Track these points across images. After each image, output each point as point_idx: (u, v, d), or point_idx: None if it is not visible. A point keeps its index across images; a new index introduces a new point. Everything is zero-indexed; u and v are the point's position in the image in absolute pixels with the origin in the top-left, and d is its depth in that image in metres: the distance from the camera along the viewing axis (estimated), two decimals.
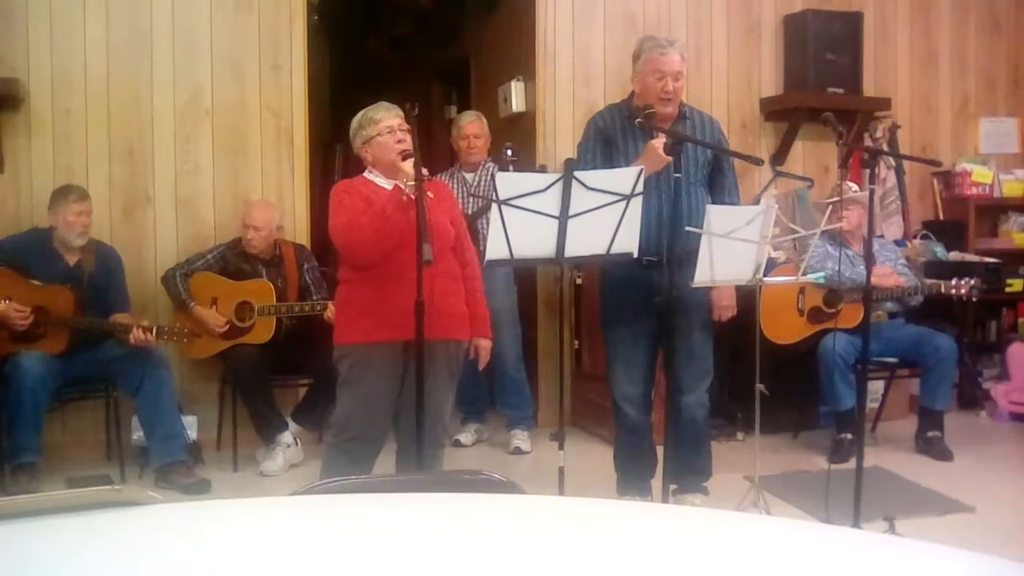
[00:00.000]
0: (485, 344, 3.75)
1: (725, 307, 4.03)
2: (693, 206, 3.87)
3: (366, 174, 3.64)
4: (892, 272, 5.16)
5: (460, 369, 3.70)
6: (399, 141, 3.53)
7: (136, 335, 4.53)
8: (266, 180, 5.35)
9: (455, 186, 5.30)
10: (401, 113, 3.62)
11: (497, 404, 5.49)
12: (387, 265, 3.45)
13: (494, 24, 6.80)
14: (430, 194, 3.36)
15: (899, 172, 6.25)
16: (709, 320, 4.05)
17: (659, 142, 3.66)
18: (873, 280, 3.85)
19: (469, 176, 5.34)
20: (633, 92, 4.01)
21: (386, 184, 3.55)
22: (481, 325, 3.73)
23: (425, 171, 3.35)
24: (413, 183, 3.26)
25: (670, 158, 3.61)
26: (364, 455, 3.55)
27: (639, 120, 3.74)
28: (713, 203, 3.91)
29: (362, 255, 3.48)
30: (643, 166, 3.51)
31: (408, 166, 3.36)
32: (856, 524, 3.58)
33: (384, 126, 3.57)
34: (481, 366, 3.83)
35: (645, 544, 1.53)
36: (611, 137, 3.95)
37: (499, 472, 1.91)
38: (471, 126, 5.38)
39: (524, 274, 5.53)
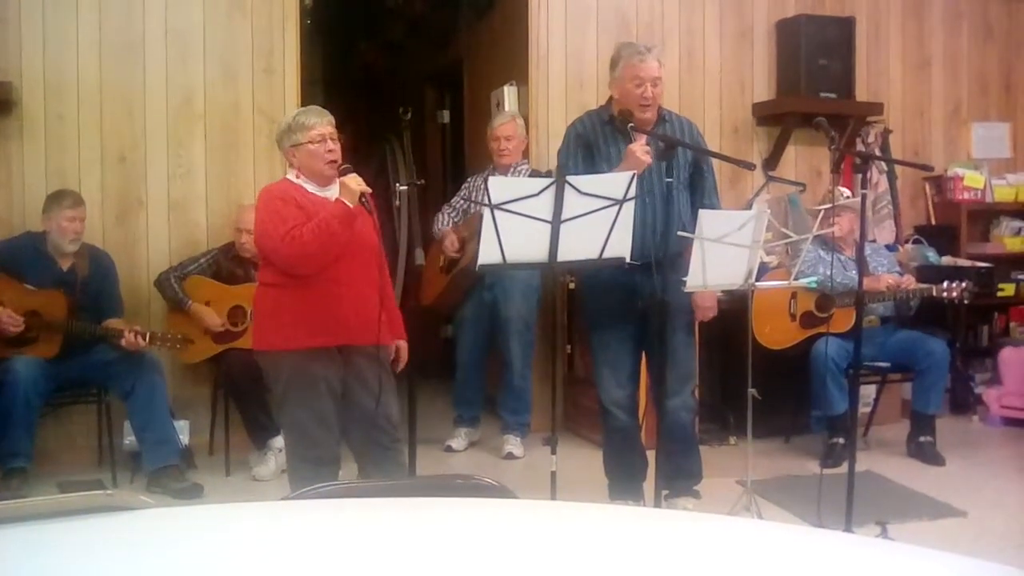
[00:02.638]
0: (404, 346, 3.76)
1: (706, 308, 4.04)
2: (679, 209, 3.89)
3: (293, 178, 3.58)
4: (887, 276, 5.15)
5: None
6: (329, 151, 3.50)
7: (128, 339, 4.52)
8: (259, 184, 5.29)
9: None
10: (333, 120, 3.57)
11: (499, 408, 5.49)
12: (325, 271, 3.44)
13: (487, 28, 6.80)
14: (352, 201, 3.40)
15: (891, 177, 6.27)
16: (691, 323, 4.06)
17: (637, 145, 3.67)
18: (866, 284, 3.86)
19: None
20: (611, 97, 4.02)
21: (317, 191, 3.53)
22: (399, 328, 3.75)
23: (365, 185, 3.41)
24: (357, 199, 3.35)
25: (650, 161, 3.63)
26: (326, 460, 3.54)
27: (632, 124, 3.75)
28: (694, 204, 3.93)
29: (301, 267, 3.44)
30: (630, 171, 3.51)
31: (352, 182, 3.39)
32: (848, 528, 3.58)
33: (315, 134, 3.50)
34: (399, 368, 3.78)
35: (637, 549, 1.53)
36: (591, 142, 3.96)
37: (491, 477, 1.91)
38: (504, 127, 5.30)
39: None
